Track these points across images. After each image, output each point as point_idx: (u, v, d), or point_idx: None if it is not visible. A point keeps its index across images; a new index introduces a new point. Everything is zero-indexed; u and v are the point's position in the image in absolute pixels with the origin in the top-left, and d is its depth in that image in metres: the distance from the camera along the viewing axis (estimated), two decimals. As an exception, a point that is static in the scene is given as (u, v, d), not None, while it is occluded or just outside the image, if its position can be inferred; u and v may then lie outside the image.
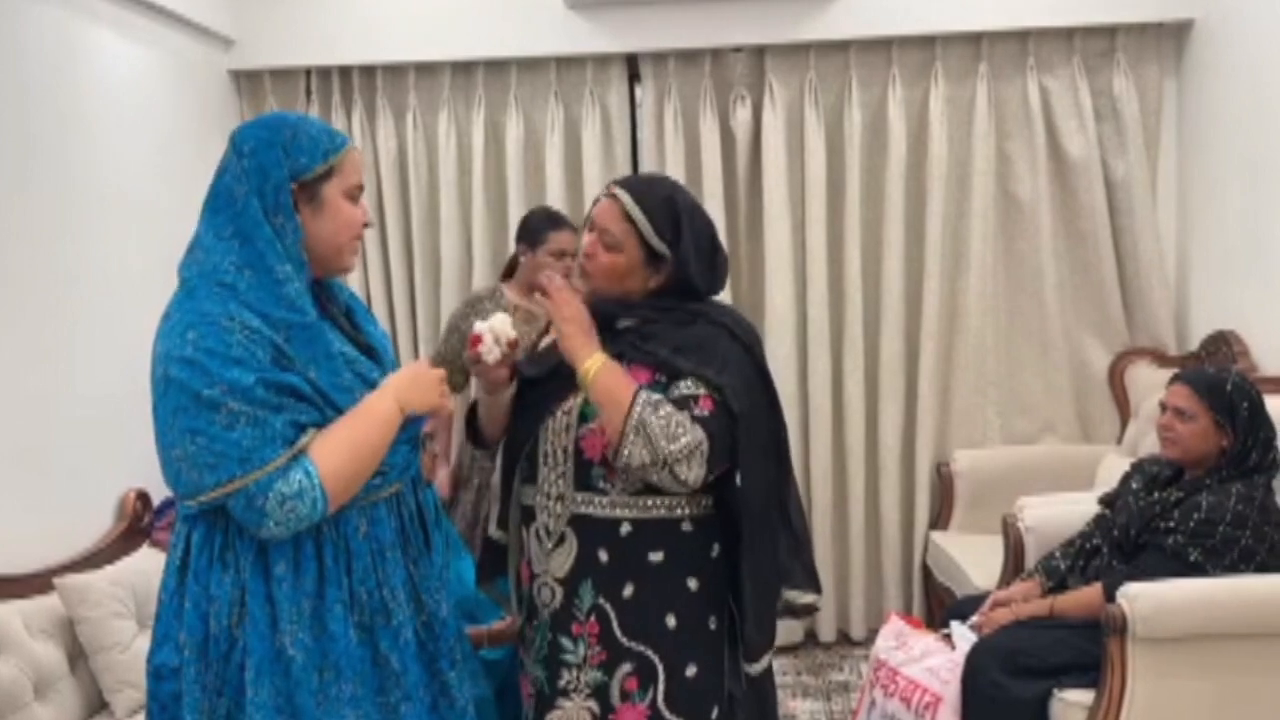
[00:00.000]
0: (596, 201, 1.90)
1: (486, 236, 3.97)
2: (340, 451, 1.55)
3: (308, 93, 4.00)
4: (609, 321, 1.85)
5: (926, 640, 2.76)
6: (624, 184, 1.88)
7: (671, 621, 1.81)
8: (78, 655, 2.57)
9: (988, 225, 3.86)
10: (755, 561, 1.81)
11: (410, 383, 1.68)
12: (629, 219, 1.82)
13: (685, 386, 1.77)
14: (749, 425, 1.77)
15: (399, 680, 1.64)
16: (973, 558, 3.49)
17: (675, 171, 3.81)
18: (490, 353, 1.79)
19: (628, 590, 1.80)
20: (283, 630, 1.56)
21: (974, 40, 3.83)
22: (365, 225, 1.71)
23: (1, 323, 2.60)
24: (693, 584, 1.83)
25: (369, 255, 3.99)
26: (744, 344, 1.84)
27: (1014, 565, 3.05)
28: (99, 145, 3.06)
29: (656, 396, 1.73)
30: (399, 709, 1.64)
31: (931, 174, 3.84)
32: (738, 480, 1.78)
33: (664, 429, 1.69)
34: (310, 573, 1.59)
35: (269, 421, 1.49)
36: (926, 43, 3.84)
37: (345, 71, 3.98)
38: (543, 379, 1.87)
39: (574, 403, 1.82)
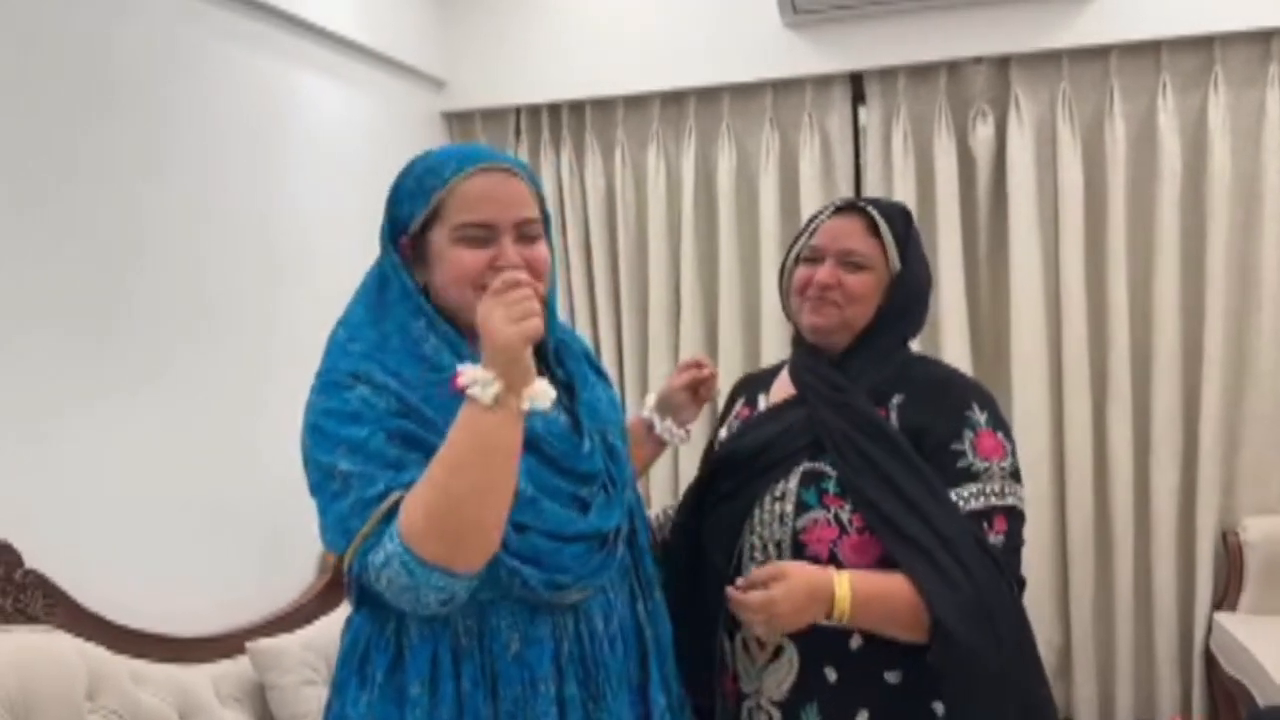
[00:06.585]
0: (810, 231, 1.68)
1: (696, 277, 3.74)
2: (419, 491, 1.21)
3: (516, 132, 3.91)
4: (835, 388, 1.59)
5: (1228, 756, 2.28)
6: (857, 199, 1.69)
7: None
8: (268, 722, 2.46)
9: (1284, 252, 3.30)
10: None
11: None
12: (876, 233, 1.62)
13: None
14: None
15: None
16: (1271, 646, 2.97)
17: (906, 198, 3.45)
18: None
19: (861, 717, 1.50)
20: None
21: (1261, 39, 3.29)
22: (496, 268, 1.33)
23: (202, 372, 2.56)
24: (938, 708, 1.51)
25: (575, 298, 3.85)
26: None
27: (1337, 665, 2.52)
28: (311, 190, 3.02)
29: None
30: None
31: (1212, 193, 3.31)
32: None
33: None
34: (448, 697, 1.32)
35: (374, 480, 1.25)
36: (1203, 44, 3.32)
37: (554, 109, 3.86)
38: (745, 460, 1.59)
39: (786, 486, 1.52)
